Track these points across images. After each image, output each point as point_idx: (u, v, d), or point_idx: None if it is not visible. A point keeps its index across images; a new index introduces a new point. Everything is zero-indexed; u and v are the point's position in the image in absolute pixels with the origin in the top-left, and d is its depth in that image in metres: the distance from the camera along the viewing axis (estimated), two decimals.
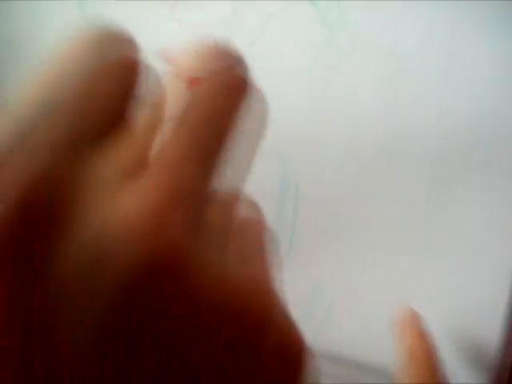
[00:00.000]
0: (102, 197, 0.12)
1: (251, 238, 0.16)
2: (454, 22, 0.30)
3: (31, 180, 0.11)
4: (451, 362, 0.34)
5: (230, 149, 0.14)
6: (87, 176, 0.12)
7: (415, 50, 0.31)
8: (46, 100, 0.13)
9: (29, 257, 0.11)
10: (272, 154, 0.35)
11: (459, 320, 0.33)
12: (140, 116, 0.14)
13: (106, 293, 0.11)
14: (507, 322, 0.32)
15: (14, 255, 0.11)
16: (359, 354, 0.37)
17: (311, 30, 0.33)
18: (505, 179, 0.31)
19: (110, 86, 0.13)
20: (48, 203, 0.11)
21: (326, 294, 0.37)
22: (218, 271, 0.13)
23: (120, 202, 0.12)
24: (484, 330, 0.33)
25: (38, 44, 0.40)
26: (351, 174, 0.34)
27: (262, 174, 0.36)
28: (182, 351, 0.12)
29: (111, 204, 0.12)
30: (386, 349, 0.35)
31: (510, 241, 0.31)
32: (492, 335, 0.33)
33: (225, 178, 0.14)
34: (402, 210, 0.34)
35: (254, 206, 0.18)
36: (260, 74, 0.33)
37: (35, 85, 0.13)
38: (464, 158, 0.31)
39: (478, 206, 0.32)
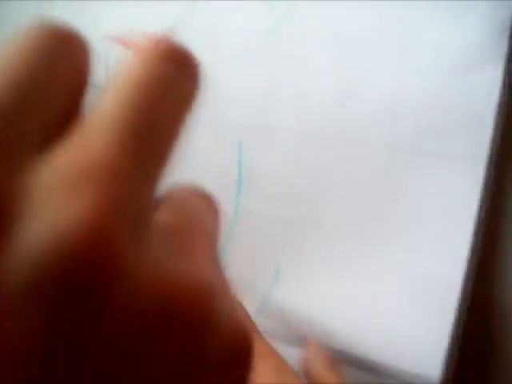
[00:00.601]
0: (44, 203, 0.11)
1: (198, 232, 0.15)
2: (407, 9, 0.30)
3: None
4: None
5: (173, 141, 0.14)
6: (29, 182, 0.11)
7: (368, 36, 0.31)
8: None
9: None
10: (228, 141, 0.36)
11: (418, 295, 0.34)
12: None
13: (45, 296, 0.11)
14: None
15: None
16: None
17: (259, 16, 0.33)
18: (459, 164, 0.31)
19: (53, 81, 0.13)
20: None
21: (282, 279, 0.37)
22: (158, 270, 0.12)
23: (59, 204, 0.11)
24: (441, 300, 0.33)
25: None
26: (306, 161, 0.34)
27: (220, 161, 0.36)
28: (119, 354, 0.11)
29: (51, 208, 0.11)
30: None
31: (462, 224, 0.32)
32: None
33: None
34: (359, 195, 0.34)
35: (207, 197, 0.17)
36: (212, 58, 0.34)
37: None
38: (419, 144, 0.32)
39: (433, 191, 0.32)
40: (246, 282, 0.38)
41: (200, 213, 0.15)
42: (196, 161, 0.37)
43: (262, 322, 0.39)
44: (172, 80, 0.14)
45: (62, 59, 0.13)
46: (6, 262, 0.11)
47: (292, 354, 0.38)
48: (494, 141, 0.30)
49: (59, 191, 0.11)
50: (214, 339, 0.12)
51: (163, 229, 0.13)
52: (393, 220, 0.33)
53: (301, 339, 0.38)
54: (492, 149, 0.30)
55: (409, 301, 0.34)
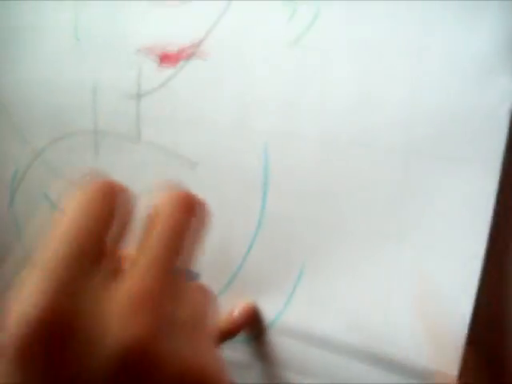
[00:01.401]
0: (112, 322, 0.17)
1: (201, 321, 0.21)
2: (423, 19, 0.32)
3: (51, 303, 0.17)
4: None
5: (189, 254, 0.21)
6: (89, 297, 0.18)
7: (386, 45, 0.33)
8: (60, 242, 0.18)
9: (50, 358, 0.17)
10: (255, 146, 0.37)
11: (431, 304, 0.35)
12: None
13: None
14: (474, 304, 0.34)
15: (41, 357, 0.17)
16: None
17: (283, 28, 0.35)
18: (474, 168, 0.32)
19: (107, 226, 0.19)
20: (62, 320, 0.17)
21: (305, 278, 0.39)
22: (178, 355, 0.18)
23: (107, 308, 0.18)
24: (454, 310, 0.34)
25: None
26: (328, 166, 0.36)
27: (247, 165, 0.38)
28: None
29: (117, 327, 0.17)
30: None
31: (476, 228, 0.33)
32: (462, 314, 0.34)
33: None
34: (377, 199, 0.35)
35: (204, 290, 0.24)
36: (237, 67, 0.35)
37: (49, 233, 0.19)
38: (434, 150, 0.33)
39: (448, 195, 0.33)
40: (271, 282, 0.40)
41: (204, 307, 0.22)
42: (224, 165, 0.39)
43: (286, 321, 0.41)
44: (188, 223, 0.21)
45: (119, 210, 0.20)
46: (93, 367, 0.17)
47: (316, 355, 0.40)
48: (507, 146, 0.31)
49: (121, 317, 0.17)
50: None
51: (181, 326, 0.19)
52: (409, 223, 0.35)
53: (324, 338, 0.40)
54: (505, 154, 0.31)
55: (423, 297, 0.35)
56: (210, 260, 0.42)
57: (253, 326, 0.42)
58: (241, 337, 0.43)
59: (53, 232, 0.19)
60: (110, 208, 0.20)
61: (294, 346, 0.41)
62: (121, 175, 0.42)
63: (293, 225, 0.38)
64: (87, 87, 0.42)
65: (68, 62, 0.42)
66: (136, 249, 0.20)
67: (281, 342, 0.42)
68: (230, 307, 0.42)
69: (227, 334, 0.41)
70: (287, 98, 0.36)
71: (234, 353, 0.44)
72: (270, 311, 0.41)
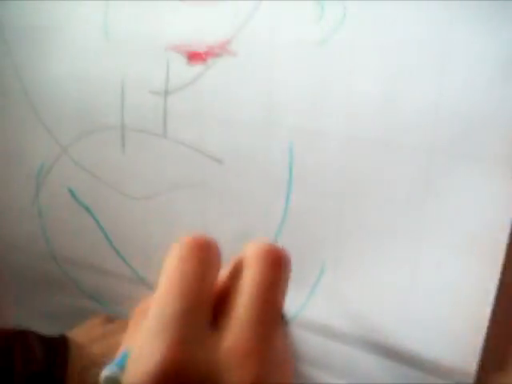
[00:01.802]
0: (225, 371, 0.20)
1: (287, 357, 0.23)
2: (449, 21, 0.32)
3: (179, 355, 0.20)
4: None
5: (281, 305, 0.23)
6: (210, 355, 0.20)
7: (412, 46, 0.33)
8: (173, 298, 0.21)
9: None
10: (281, 143, 0.38)
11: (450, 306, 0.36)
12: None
13: None
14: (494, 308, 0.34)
15: None
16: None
17: (311, 28, 0.35)
18: (497, 168, 0.33)
19: (206, 278, 0.22)
20: (183, 368, 0.19)
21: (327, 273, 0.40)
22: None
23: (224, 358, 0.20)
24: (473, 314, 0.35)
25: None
26: (352, 164, 0.37)
27: (272, 162, 0.39)
28: None
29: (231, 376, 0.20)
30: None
31: (498, 228, 0.33)
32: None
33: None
34: (399, 196, 0.36)
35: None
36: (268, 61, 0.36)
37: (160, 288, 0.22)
38: (457, 149, 0.34)
39: (470, 194, 0.34)
40: (293, 278, 0.41)
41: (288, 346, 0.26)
42: (249, 162, 0.40)
43: (308, 315, 0.41)
44: (279, 278, 0.23)
45: (211, 263, 0.22)
46: None
47: (335, 350, 0.41)
48: None
49: (234, 365, 0.20)
50: None
51: (274, 367, 0.21)
52: (432, 221, 0.35)
53: (345, 333, 0.40)
54: None
55: (446, 298, 0.36)
56: (233, 255, 0.43)
57: None
58: None
59: (165, 286, 0.22)
60: (208, 260, 0.22)
61: (313, 341, 0.42)
62: (147, 171, 0.44)
63: (315, 222, 0.39)
64: (115, 84, 0.43)
65: (97, 59, 0.43)
66: (226, 290, 0.23)
67: (301, 336, 0.42)
68: None
69: None
70: (313, 97, 0.36)
71: None
72: (291, 306, 0.42)
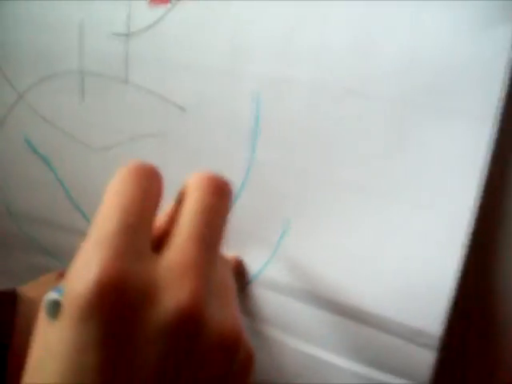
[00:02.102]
0: (164, 288, 0.21)
1: (228, 288, 0.25)
2: None
3: (120, 269, 0.20)
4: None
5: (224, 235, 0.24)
6: (152, 273, 0.21)
7: None
8: (113, 215, 0.21)
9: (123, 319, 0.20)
10: (245, 91, 0.36)
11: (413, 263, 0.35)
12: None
13: (169, 341, 0.20)
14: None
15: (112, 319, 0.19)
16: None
17: None
18: (470, 123, 0.32)
19: (146, 201, 0.22)
20: (119, 281, 0.20)
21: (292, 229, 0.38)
22: (216, 317, 0.22)
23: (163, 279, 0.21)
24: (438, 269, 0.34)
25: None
26: (320, 114, 0.35)
27: (237, 111, 0.37)
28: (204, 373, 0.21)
29: (170, 292, 0.21)
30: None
31: (469, 183, 0.32)
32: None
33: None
34: (368, 149, 0.34)
35: (225, 260, 0.27)
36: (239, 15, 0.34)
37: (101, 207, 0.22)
38: (429, 100, 0.32)
39: (440, 148, 0.33)
40: (257, 232, 0.39)
41: (230, 275, 0.26)
42: (213, 111, 0.38)
43: (270, 274, 0.40)
44: (220, 204, 0.23)
45: (153, 189, 0.23)
46: (150, 321, 0.20)
47: (297, 310, 0.40)
48: (501, 100, 0.30)
49: (172, 280, 0.21)
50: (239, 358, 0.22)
51: (215, 292, 0.22)
52: (400, 175, 0.34)
53: (308, 293, 0.39)
54: (499, 107, 0.31)
55: (411, 255, 0.35)
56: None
57: (237, 279, 0.41)
58: None
59: (105, 206, 0.22)
60: (149, 186, 0.23)
61: (275, 300, 0.41)
62: (107, 117, 0.42)
63: (281, 175, 0.37)
64: (74, 26, 0.40)
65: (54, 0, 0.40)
66: (169, 221, 0.23)
67: (263, 296, 0.41)
68: None
69: None
70: (282, 44, 0.35)
71: None
72: (254, 264, 0.41)
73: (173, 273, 0.21)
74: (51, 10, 0.41)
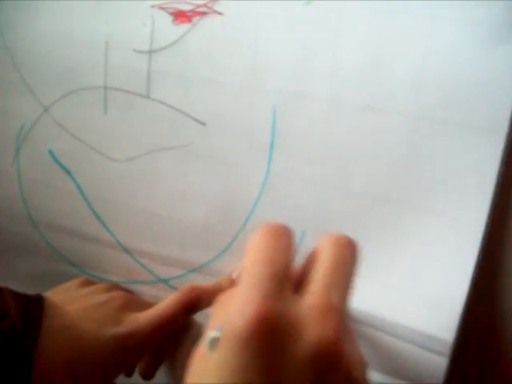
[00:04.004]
0: (307, 326, 0.24)
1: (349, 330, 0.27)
2: None
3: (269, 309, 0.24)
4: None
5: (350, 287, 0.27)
6: (294, 312, 0.24)
7: (399, 8, 0.33)
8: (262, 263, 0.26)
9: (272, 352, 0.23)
10: (263, 106, 0.38)
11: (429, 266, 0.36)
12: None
13: (304, 369, 0.23)
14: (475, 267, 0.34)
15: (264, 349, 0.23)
16: None
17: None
18: (482, 135, 0.33)
19: (285, 253, 0.27)
20: (272, 318, 0.24)
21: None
22: (349, 353, 0.24)
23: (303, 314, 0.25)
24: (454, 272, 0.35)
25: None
26: (336, 128, 0.36)
27: (254, 124, 0.39)
28: None
29: (312, 329, 0.24)
30: None
31: (480, 195, 0.33)
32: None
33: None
34: (384, 162, 0.36)
35: None
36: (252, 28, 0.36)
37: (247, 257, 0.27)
38: (443, 115, 0.33)
39: (453, 161, 0.34)
40: None
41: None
42: (232, 125, 0.39)
43: None
44: (350, 258, 0.27)
45: (289, 243, 0.27)
46: (297, 352, 0.23)
47: None
48: None
49: (314, 319, 0.24)
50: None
51: (346, 333, 0.25)
52: (415, 186, 0.35)
53: None
54: (510, 121, 0.32)
55: (425, 263, 0.36)
56: (214, 219, 0.42)
57: None
58: None
59: (253, 256, 0.26)
60: (287, 241, 0.27)
61: None
62: (129, 132, 0.43)
63: (297, 187, 0.39)
64: (99, 43, 0.42)
65: (81, 16, 0.42)
66: (304, 269, 0.28)
67: None
68: (228, 269, 0.43)
69: None
70: (298, 60, 0.36)
71: None
72: None
73: (315, 312, 0.24)
74: (78, 25, 0.42)
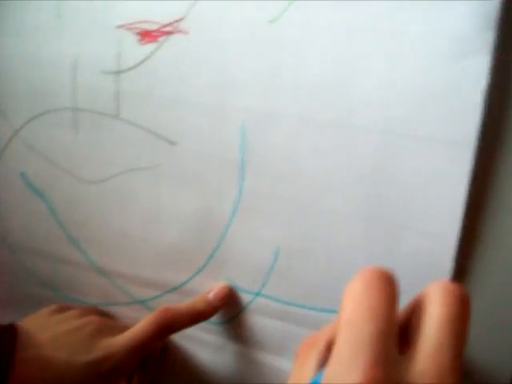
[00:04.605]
0: None
1: None
2: None
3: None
4: None
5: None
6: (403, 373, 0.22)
7: (362, 25, 0.33)
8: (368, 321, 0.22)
9: None
10: (232, 124, 0.37)
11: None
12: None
13: None
14: None
15: None
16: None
17: (260, 7, 0.35)
18: (450, 148, 0.32)
19: (391, 307, 0.23)
20: None
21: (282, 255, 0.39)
22: None
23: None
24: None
25: None
26: (305, 145, 0.36)
27: (224, 144, 0.38)
28: None
29: None
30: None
31: (450, 209, 0.33)
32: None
33: None
34: (353, 178, 0.35)
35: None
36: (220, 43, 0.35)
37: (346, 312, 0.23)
38: (411, 130, 0.33)
39: (422, 176, 0.34)
40: (249, 259, 0.40)
41: None
42: (202, 144, 0.39)
43: (263, 300, 0.41)
44: (463, 313, 0.23)
45: (394, 294, 0.23)
46: None
47: (295, 334, 0.40)
48: (481, 127, 0.31)
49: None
50: None
51: None
52: (385, 203, 0.35)
53: (302, 316, 0.40)
54: (479, 135, 0.32)
55: (399, 277, 0.35)
56: (188, 239, 0.42)
57: (228, 308, 0.42)
58: (216, 318, 0.43)
59: (354, 309, 0.23)
60: (392, 291, 0.24)
61: (270, 326, 0.41)
62: (100, 153, 0.43)
63: (270, 204, 0.38)
64: (67, 64, 0.41)
65: (48, 38, 0.42)
66: (414, 325, 0.24)
67: (257, 323, 0.42)
68: (204, 288, 0.42)
69: (202, 316, 0.41)
70: (265, 77, 0.36)
71: (208, 334, 0.44)
72: (246, 292, 0.41)
73: (427, 378, 0.22)
74: (45, 47, 0.42)
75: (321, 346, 0.25)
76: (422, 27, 0.31)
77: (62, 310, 0.45)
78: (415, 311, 0.25)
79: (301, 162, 0.36)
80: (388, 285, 0.24)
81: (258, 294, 0.41)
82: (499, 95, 0.31)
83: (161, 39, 0.38)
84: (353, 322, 0.22)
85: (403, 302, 0.35)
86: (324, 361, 0.24)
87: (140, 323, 0.40)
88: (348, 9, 0.33)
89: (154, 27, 0.38)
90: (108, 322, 0.44)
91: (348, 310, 0.23)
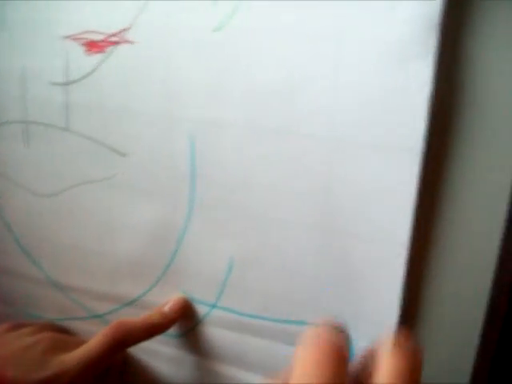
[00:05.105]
0: None
1: None
2: (342, 4, 0.32)
3: None
4: None
5: None
6: None
7: (307, 31, 0.32)
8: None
9: None
10: (181, 134, 0.37)
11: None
12: None
13: None
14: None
15: None
16: None
17: (207, 15, 0.34)
18: (398, 158, 0.32)
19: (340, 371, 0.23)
20: None
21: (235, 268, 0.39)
22: None
23: None
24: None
25: None
26: (254, 154, 0.36)
27: (174, 153, 0.38)
28: None
29: None
30: None
31: (400, 216, 0.33)
32: None
33: None
34: (300, 187, 0.35)
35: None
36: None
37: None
38: (358, 136, 0.33)
39: (370, 183, 0.33)
40: (203, 271, 0.40)
41: None
42: (152, 155, 0.38)
43: (219, 312, 0.40)
44: (417, 365, 0.24)
45: (344, 351, 0.24)
46: None
47: (252, 345, 0.40)
48: (427, 133, 0.31)
49: None
50: None
51: None
52: (337, 211, 0.35)
53: (258, 327, 0.39)
54: (426, 140, 0.31)
55: (351, 287, 0.35)
56: (142, 251, 0.41)
57: (185, 320, 0.42)
58: (173, 331, 0.42)
59: (300, 374, 0.23)
60: (342, 351, 0.24)
61: (227, 338, 0.41)
62: (51, 166, 0.42)
63: (222, 214, 0.38)
64: (15, 76, 0.41)
65: None
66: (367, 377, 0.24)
67: (214, 335, 0.41)
68: (161, 301, 0.41)
69: (158, 329, 0.41)
70: (212, 87, 0.35)
71: (166, 347, 0.44)
72: (202, 304, 0.41)
73: None
74: None
75: None
76: (363, 33, 0.31)
77: (16, 327, 0.44)
78: (366, 366, 0.25)
79: (251, 172, 0.36)
80: (336, 348, 0.24)
81: (214, 306, 0.40)
82: (444, 99, 0.31)
83: (108, 49, 0.37)
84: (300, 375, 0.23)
85: (354, 310, 0.35)
86: None
87: (94, 338, 0.39)
88: (293, 15, 0.32)
89: (100, 37, 0.37)
90: (63, 338, 0.43)
91: (298, 375, 0.23)
